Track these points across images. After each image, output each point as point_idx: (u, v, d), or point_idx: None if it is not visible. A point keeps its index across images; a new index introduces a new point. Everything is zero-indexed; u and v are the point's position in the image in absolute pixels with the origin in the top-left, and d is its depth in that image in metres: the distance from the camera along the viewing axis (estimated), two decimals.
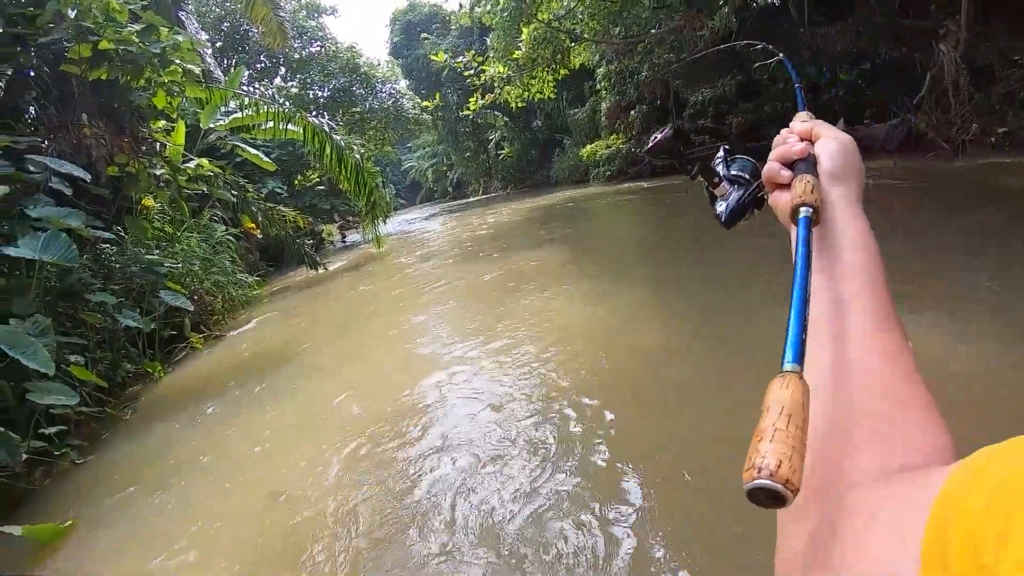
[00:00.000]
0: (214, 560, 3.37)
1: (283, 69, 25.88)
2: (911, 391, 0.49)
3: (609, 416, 3.85)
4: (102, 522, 4.09)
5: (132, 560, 3.58)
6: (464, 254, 12.81)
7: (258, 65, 24.88)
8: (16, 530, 3.77)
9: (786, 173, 0.69)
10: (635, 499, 2.95)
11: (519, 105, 20.23)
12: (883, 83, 13.08)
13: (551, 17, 16.92)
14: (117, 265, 7.24)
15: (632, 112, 20.58)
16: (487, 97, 19.85)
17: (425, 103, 29.39)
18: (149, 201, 8.63)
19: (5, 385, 4.85)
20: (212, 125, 11.68)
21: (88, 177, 6.88)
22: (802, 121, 0.77)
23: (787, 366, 0.45)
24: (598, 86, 22.38)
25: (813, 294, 0.54)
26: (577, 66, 19.66)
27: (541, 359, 5.01)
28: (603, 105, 22.43)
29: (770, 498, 0.38)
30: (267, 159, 13.08)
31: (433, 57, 23.25)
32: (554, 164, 30.78)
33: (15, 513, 4.18)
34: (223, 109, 11.74)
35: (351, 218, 21.44)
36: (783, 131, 0.76)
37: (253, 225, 12.24)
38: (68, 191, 6.67)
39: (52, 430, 4.89)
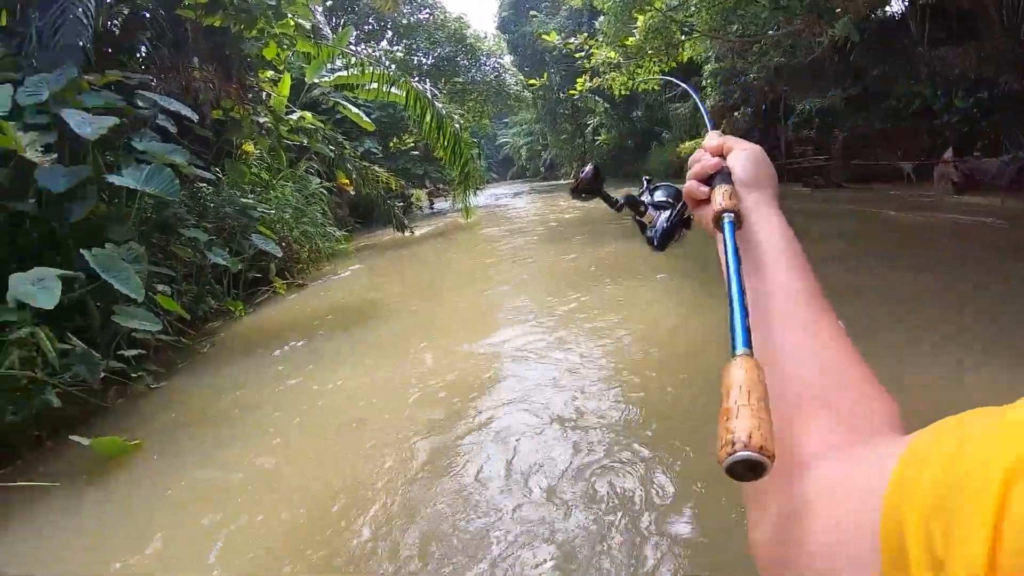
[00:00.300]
0: (281, 478, 3.53)
1: (390, 33, 25.81)
2: (852, 369, 0.49)
3: (673, 411, 3.68)
4: (169, 443, 4.19)
5: (195, 477, 3.68)
6: (550, 234, 12.63)
7: (366, 27, 24.96)
8: (85, 441, 3.86)
9: (704, 188, 0.71)
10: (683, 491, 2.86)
11: (622, 93, 19.76)
12: (999, 115, 11.96)
13: (664, 7, 16.36)
14: (212, 205, 7.38)
15: (736, 113, 19.61)
16: (594, 80, 19.49)
17: (531, 81, 29.07)
18: (249, 147, 8.78)
19: (93, 306, 4.98)
20: (317, 80, 11.80)
21: (195, 117, 7.00)
22: (713, 139, 0.78)
23: (738, 350, 0.46)
24: (704, 83, 21.39)
25: (746, 292, 0.54)
26: (685, 60, 18.96)
27: (618, 347, 4.87)
28: (707, 103, 21.50)
29: (749, 470, 0.38)
30: (367, 119, 13.16)
31: (545, 37, 22.89)
32: (650, 157, 29.70)
33: (86, 426, 4.29)
34: (329, 66, 11.82)
35: (442, 185, 21.53)
36: (696, 152, 0.77)
37: (347, 181, 12.38)
38: (173, 129, 6.81)
39: (131, 353, 5.00)
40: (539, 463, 3.27)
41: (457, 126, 13.17)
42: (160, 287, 5.78)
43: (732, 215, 0.62)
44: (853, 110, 15.63)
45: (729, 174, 0.70)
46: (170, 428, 4.43)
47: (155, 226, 6.30)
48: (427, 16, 26.03)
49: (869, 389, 0.47)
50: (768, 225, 0.63)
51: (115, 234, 5.52)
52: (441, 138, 12.72)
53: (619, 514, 2.76)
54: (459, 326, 6.19)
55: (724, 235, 0.61)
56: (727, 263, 0.56)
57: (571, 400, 3.97)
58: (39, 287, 4.30)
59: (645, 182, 0.90)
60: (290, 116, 9.95)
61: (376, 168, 13.48)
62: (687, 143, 22.43)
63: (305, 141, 10.33)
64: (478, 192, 15.22)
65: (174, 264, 6.29)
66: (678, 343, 4.76)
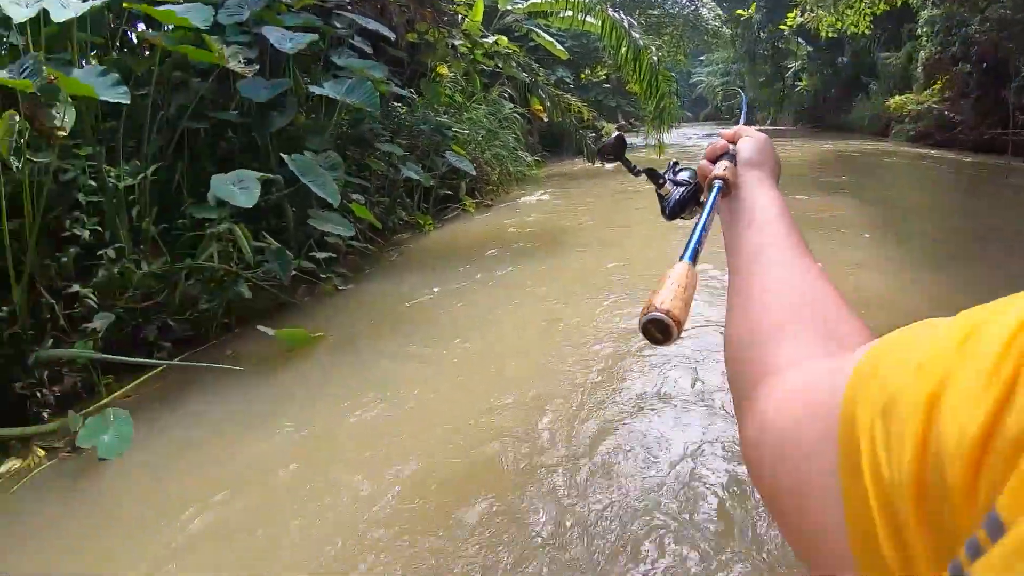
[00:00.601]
0: (463, 374, 3.47)
1: None
2: (833, 302, 0.49)
3: None
4: (351, 339, 4.08)
5: (376, 370, 3.58)
6: None
7: None
8: (270, 331, 3.74)
9: (712, 166, 0.76)
10: None
11: (829, 35, 17.32)
12: None
13: None
14: (406, 123, 7.16)
15: (955, 68, 15.53)
16: (805, 16, 17.28)
17: (739, 11, 26.54)
18: (443, 69, 8.47)
19: (288, 209, 4.89)
20: (510, 7, 11.25)
21: (392, 36, 6.75)
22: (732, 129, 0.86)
23: (684, 260, 0.55)
24: (918, 31, 17.58)
25: (741, 245, 0.61)
26: (899, 3, 16.05)
27: None
28: (921, 54, 17.63)
29: (659, 332, 0.45)
30: (560, 47, 12.45)
31: None
32: (854, 109, 25.42)
33: (273, 319, 4.17)
34: None
35: (633, 120, 20.35)
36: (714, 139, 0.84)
37: (540, 108, 11.82)
38: (368, 50, 6.60)
39: (321, 255, 4.88)
40: (723, 385, 3.04)
41: (655, 58, 12.02)
42: (354, 196, 5.62)
43: (721, 181, 0.69)
44: None
45: (735, 155, 0.75)
46: (354, 326, 4.30)
47: (351, 140, 6.16)
48: None
49: (848, 319, 0.47)
50: (765, 197, 0.66)
51: (313, 144, 5.39)
52: (637, 71, 11.64)
53: None
54: (652, 254, 5.67)
55: (711, 193, 0.68)
56: (703, 210, 0.66)
57: None
58: (239, 187, 4.21)
59: (671, 164, 0.93)
60: (484, 40, 9.50)
61: (569, 97, 12.79)
62: (896, 97, 18.41)
63: (500, 65, 9.88)
64: (670, 129, 13.94)
65: (368, 176, 6.13)
66: (878, 315, 3.79)
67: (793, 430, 0.36)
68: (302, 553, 2.18)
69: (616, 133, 0.93)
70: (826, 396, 0.33)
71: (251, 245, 4.19)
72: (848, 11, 16.00)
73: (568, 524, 2.20)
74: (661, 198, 0.89)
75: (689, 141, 23.71)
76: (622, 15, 13.43)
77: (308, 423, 3.05)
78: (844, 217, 6.96)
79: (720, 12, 27.17)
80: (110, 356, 3.33)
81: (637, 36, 11.42)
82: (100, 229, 3.75)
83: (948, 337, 0.27)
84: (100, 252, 3.63)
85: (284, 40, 5.16)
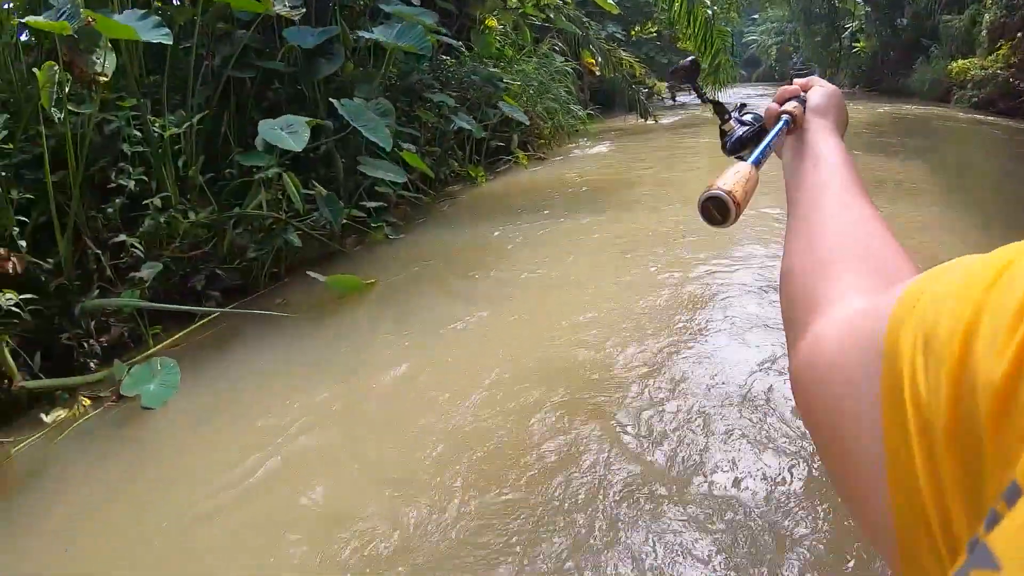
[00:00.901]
0: (524, 312, 3.32)
1: None
2: (889, 242, 0.49)
3: None
4: (404, 284, 3.83)
5: (431, 312, 3.39)
6: None
7: None
8: (321, 277, 3.50)
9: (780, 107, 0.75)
10: None
11: None
12: None
13: None
14: (456, 75, 6.77)
15: (1020, 34, 13.51)
16: None
17: None
18: (493, 22, 7.99)
19: (337, 157, 4.59)
20: None
21: None
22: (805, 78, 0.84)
23: (750, 161, 0.57)
24: None
25: (803, 184, 0.59)
26: None
27: None
28: (985, 17, 15.84)
29: (718, 209, 0.47)
30: (610, 1, 11.78)
31: None
32: (914, 73, 23.30)
33: (322, 267, 3.90)
34: None
35: None
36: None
37: (592, 62, 11.21)
38: (416, 1, 6.22)
39: (372, 204, 4.58)
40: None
41: (709, 12, 11.22)
42: (405, 146, 5.30)
43: (789, 116, 0.68)
44: None
45: (804, 100, 0.73)
46: (407, 272, 4.04)
47: (400, 91, 5.80)
48: None
49: (902, 260, 0.46)
50: (828, 143, 0.65)
51: (362, 93, 5.07)
52: (691, 26, 10.87)
53: None
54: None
55: (777, 124, 0.67)
56: (770, 134, 0.66)
57: None
58: (288, 132, 3.92)
59: (738, 105, 0.90)
60: None
61: (620, 52, 12.13)
62: (959, 62, 16.38)
63: (551, 18, 9.35)
64: (723, 88, 13.05)
65: (418, 127, 5.79)
66: None
67: (839, 360, 0.35)
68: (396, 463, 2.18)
69: (691, 58, 0.90)
70: (871, 327, 0.32)
71: (300, 193, 3.92)
72: None
73: (642, 424, 2.21)
74: (723, 133, 0.88)
75: (745, 100, 22.55)
76: None
77: (363, 364, 2.88)
78: (903, 178, 6.26)
79: None
80: (155, 304, 3.11)
81: None
82: (146, 179, 3.51)
83: (984, 272, 0.26)
84: (146, 202, 3.40)
85: None
